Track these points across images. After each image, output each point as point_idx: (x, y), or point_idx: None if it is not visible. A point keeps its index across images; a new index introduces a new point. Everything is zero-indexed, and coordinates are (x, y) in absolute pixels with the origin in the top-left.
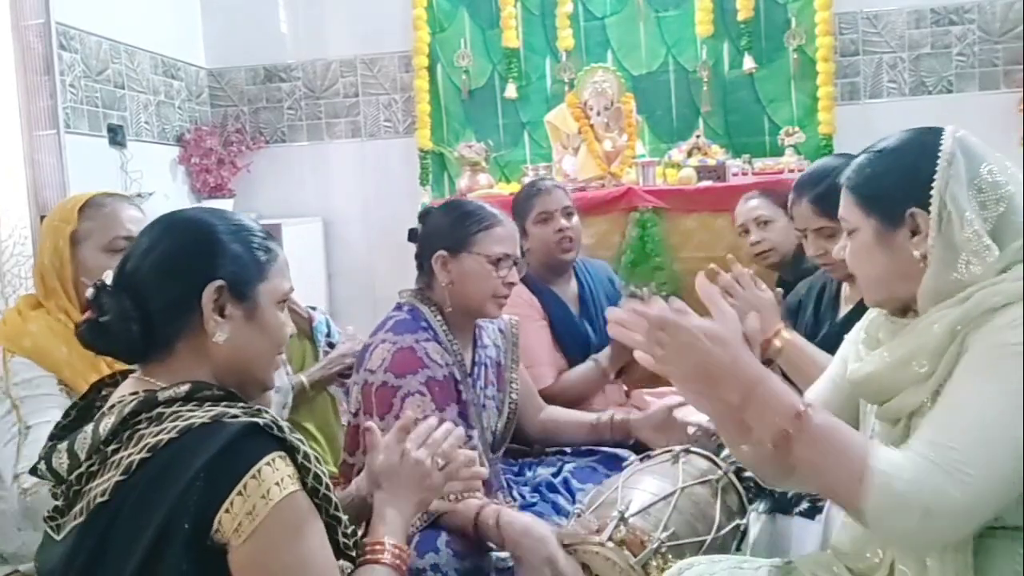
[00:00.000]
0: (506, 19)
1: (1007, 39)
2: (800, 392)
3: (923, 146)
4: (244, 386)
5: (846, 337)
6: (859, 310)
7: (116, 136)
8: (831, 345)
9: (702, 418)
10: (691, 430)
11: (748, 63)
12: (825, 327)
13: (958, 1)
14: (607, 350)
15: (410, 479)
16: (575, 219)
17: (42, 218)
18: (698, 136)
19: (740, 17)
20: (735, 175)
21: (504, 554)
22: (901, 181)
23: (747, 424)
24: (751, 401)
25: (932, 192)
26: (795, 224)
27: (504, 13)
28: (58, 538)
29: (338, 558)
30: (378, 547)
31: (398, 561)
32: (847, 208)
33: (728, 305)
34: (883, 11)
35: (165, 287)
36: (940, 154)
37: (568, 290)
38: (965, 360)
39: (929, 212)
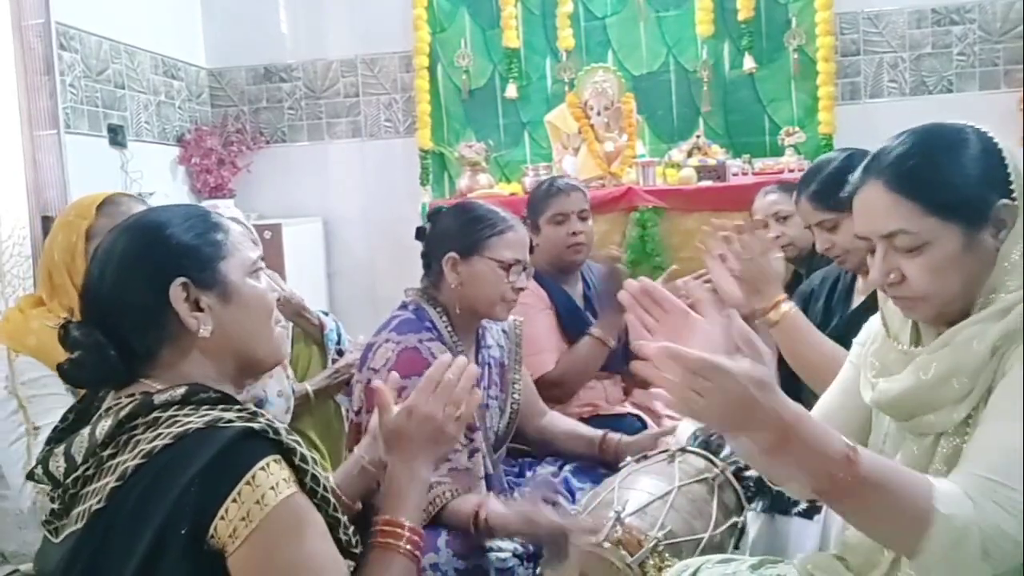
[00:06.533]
0: (506, 19)
1: (1008, 39)
2: (794, 379)
3: (970, 138)
4: (250, 367)
5: (855, 341)
6: (870, 303)
7: (116, 136)
8: (839, 336)
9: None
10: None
11: (748, 63)
12: (835, 318)
13: (959, 1)
14: (598, 321)
15: (421, 437)
16: (589, 223)
17: (43, 218)
18: (698, 136)
19: (740, 17)
20: (735, 175)
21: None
22: (981, 176)
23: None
24: (789, 443)
25: (1012, 179)
26: (802, 222)
27: (504, 13)
28: (56, 541)
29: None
30: (396, 530)
31: (416, 551)
32: (909, 220)
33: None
34: (884, 11)
35: (130, 303)
36: (994, 139)
37: (575, 290)
38: (1006, 384)
39: (1014, 200)
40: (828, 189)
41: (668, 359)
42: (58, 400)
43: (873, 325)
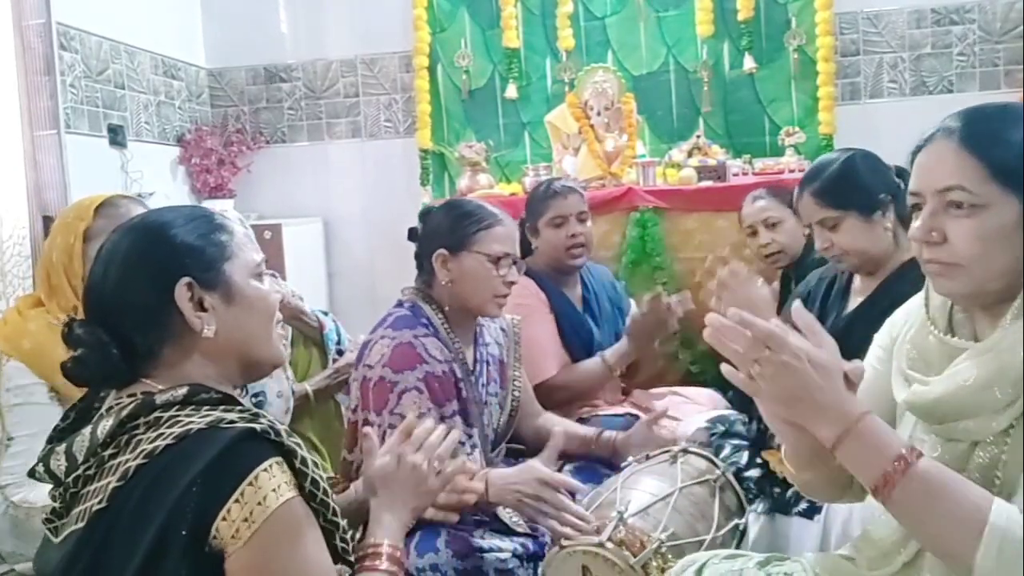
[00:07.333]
0: (506, 19)
1: (1008, 39)
2: None
3: None
4: (251, 368)
5: (876, 342)
6: (869, 304)
7: (116, 136)
8: (836, 338)
9: (684, 431)
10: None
11: (748, 63)
12: (831, 319)
13: (959, 1)
14: (615, 347)
15: (406, 484)
16: (588, 224)
17: (44, 218)
18: (698, 136)
19: (740, 17)
20: (735, 175)
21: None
22: None
23: (830, 459)
24: (848, 438)
25: None
26: (801, 220)
27: (504, 13)
28: (57, 540)
29: (336, 563)
30: (376, 550)
31: (395, 567)
32: (972, 179)
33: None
34: (884, 11)
35: (133, 303)
36: None
37: (574, 293)
38: None
39: None
40: (833, 187)
41: (737, 325)
42: (40, 411)
43: (898, 318)
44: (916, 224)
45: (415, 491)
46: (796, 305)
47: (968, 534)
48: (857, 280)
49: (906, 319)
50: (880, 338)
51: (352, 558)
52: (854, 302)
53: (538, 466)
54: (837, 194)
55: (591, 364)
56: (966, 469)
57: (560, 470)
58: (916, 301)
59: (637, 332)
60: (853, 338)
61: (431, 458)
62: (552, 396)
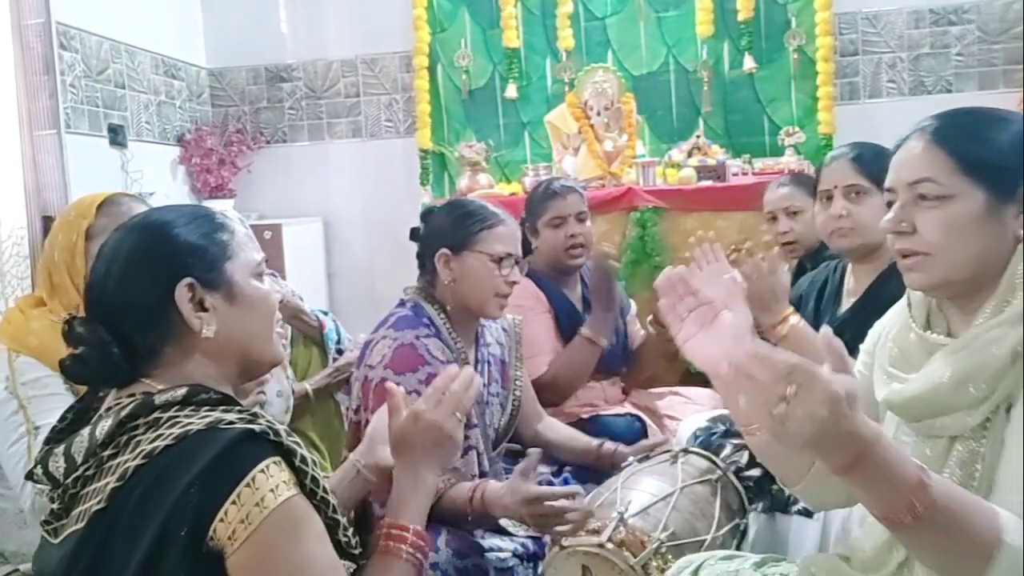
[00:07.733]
0: (506, 19)
1: (1006, 39)
2: None
3: (1019, 122)
4: (251, 368)
5: (862, 348)
6: (861, 305)
7: (117, 136)
8: None
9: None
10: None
11: (748, 63)
12: (824, 321)
13: (957, 1)
14: (587, 321)
15: (426, 443)
16: (588, 224)
17: (43, 218)
18: (698, 136)
19: (740, 17)
20: (735, 175)
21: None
22: (1021, 156)
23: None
24: (863, 464)
25: None
26: (821, 186)
27: (504, 13)
28: (55, 541)
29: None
30: (401, 534)
31: (419, 554)
32: (941, 172)
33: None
34: (883, 11)
35: (134, 302)
36: None
37: (574, 293)
38: None
39: None
40: (878, 159)
41: (757, 362)
42: (58, 400)
43: (880, 326)
44: (888, 216)
45: (438, 447)
46: (825, 331)
47: (980, 553)
48: (849, 281)
49: (888, 321)
50: (865, 344)
51: (356, 552)
52: (847, 303)
53: (522, 488)
54: (880, 167)
55: (571, 346)
56: (946, 465)
57: (560, 471)
58: (899, 304)
59: (592, 290)
60: (845, 340)
61: (456, 409)
62: (545, 393)
